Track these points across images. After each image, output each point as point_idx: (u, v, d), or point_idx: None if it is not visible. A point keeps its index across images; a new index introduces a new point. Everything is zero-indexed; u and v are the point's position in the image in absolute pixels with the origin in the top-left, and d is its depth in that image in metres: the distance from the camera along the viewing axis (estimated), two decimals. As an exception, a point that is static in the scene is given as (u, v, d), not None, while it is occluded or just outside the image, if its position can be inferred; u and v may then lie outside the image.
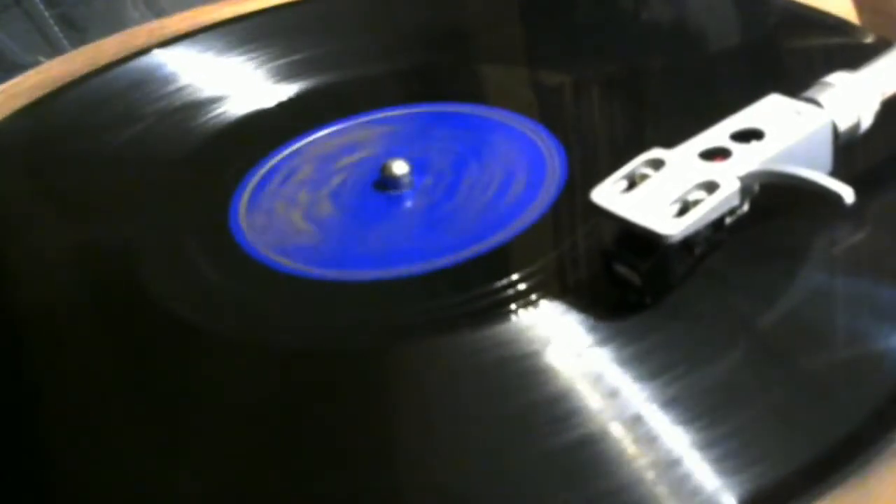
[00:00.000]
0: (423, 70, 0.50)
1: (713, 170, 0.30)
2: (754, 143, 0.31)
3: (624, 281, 0.30)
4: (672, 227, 0.29)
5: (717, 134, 0.32)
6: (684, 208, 0.29)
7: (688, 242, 0.30)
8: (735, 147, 0.31)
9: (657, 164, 0.31)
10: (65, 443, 0.30)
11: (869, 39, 0.43)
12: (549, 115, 0.43)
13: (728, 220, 0.31)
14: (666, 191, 0.30)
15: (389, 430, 0.28)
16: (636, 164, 0.31)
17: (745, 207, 0.31)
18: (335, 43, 0.52)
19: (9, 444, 0.30)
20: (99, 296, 0.36)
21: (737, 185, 0.30)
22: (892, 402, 0.26)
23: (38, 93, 0.51)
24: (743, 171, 0.30)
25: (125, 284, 0.36)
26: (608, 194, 0.30)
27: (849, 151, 0.33)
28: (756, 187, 0.31)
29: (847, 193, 0.29)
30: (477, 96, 0.47)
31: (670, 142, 0.32)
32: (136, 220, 0.40)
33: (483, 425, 0.28)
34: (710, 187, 0.30)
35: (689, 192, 0.30)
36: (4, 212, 0.43)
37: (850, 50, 0.43)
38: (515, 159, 0.40)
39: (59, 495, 0.28)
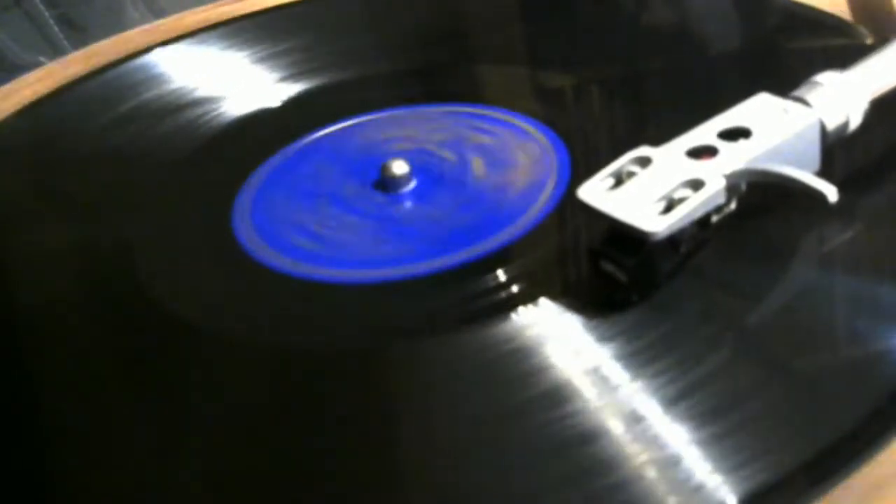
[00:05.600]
0: (423, 70, 0.50)
1: (699, 168, 0.30)
2: (741, 142, 0.31)
3: (611, 279, 0.30)
4: (657, 224, 0.29)
5: (705, 132, 0.32)
6: (670, 206, 0.29)
7: (673, 240, 0.30)
8: (722, 145, 0.31)
9: (644, 162, 0.31)
10: (64, 442, 0.30)
11: (868, 40, 0.43)
12: (550, 115, 0.43)
13: (715, 219, 0.31)
14: (652, 188, 0.30)
15: (389, 430, 0.28)
16: (623, 161, 0.31)
17: (733, 206, 0.31)
18: (335, 43, 0.52)
19: (8, 444, 0.30)
20: (99, 295, 0.37)
21: (722, 183, 0.30)
22: (889, 400, 0.26)
23: (38, 93, 0.51)
24: (729, 170, 0.30)
25: (125, 284, 0.36)
26: (595, 191, 0.30)
27: (838, 150, 0.33)
28: (743, 186, 0.31)
29: (831, 192, 0.29)
30: (477, 96, 0.47)
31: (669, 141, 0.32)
32: (136, 220, 0.40)
33: (483, 424, 0.28)
34: (696, 185, 0.30)
35: (674, 189, 0.30)
36: (4, 212, 0.43)
37: (847, 49, 0.43)
38: (516, 159, 0.40)
39: (59, 495, 0.28)
